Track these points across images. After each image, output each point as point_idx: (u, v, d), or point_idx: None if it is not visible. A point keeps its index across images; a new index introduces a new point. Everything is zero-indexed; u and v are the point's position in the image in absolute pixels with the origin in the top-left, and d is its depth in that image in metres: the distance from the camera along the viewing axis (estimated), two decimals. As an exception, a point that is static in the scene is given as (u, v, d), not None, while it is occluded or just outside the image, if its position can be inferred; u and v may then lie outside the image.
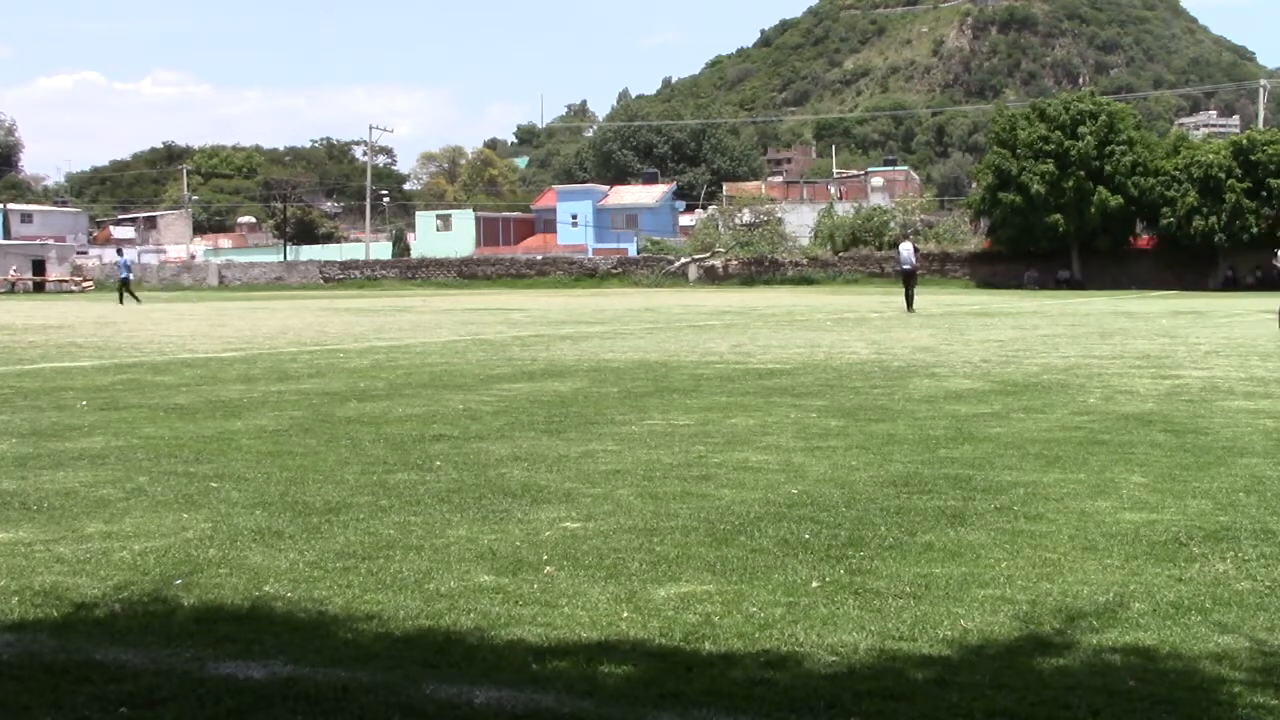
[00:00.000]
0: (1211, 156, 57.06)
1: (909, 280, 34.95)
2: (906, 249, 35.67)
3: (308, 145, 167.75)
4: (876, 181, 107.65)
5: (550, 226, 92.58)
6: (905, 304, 33.87)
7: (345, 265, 76.78)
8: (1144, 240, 62.21)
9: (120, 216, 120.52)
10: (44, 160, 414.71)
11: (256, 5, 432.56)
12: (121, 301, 44.22)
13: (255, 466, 7.91)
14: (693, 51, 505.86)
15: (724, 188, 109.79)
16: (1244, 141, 58.23)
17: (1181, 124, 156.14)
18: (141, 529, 6.13)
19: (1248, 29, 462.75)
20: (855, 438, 9.08)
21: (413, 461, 8.09)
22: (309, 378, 14.26)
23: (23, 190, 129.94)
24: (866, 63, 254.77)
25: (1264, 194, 56.15)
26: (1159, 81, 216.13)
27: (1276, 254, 41.23)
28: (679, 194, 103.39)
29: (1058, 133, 58.09)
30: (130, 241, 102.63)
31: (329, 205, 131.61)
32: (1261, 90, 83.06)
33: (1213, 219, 56.10)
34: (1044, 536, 5.85)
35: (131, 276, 49.75)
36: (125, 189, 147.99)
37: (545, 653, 4.16)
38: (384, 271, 75.51)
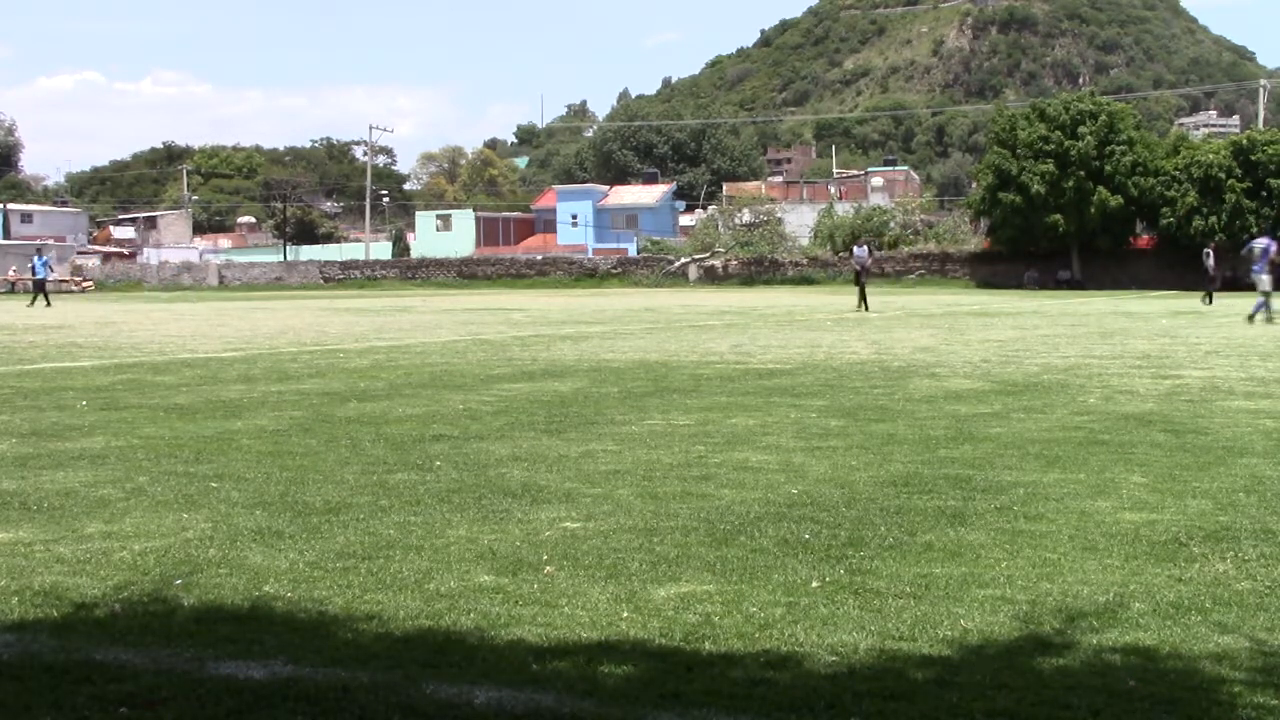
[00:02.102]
0: (1211, 156, 57.04)
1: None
2: (860, 250, 37.76)
3: (308, 145, 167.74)
4: (876, 181, 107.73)
5: (550, 226, 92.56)
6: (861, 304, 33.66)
7: (345, 265, 76.74)
8: (1144, 240, 62.19)
9: (120, 216, 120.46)
10: (44, 160, 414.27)
11: (256, 5, 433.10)
12: (32, 304, 42.88)
13: (255, 466, 7.91)
14: (693, 51, 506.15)
15: (724, 188, 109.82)
16: (1244, 141, 58.21)
17: (1181, 124, 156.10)
18: (141, 529, 6.13)
19: (1248, 29, 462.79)
20: (855, 438, 9.08)
21: (413, 461, 8.09)
22: (309, 378, 14.26)
23: (23, 190, 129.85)
24: (866, 63, 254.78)
25: (1264, 194, 56.13)
26: (1159, 81, 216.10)
27: (1208, 253, 41.23)
28: (679, 194, 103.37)
29: (1058, 133, 58.07)
30: (132, 241, 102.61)
31: (329, 205, 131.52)
32: (1261, 90, 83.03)
33: (1213, 219, 56.09)
34: (1044, 536, 5.85)
35: (51, 276, 47.92)
36: (125, 189, 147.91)
37: (545, 653, 4.16)
38: (384, 271, 75.48)
